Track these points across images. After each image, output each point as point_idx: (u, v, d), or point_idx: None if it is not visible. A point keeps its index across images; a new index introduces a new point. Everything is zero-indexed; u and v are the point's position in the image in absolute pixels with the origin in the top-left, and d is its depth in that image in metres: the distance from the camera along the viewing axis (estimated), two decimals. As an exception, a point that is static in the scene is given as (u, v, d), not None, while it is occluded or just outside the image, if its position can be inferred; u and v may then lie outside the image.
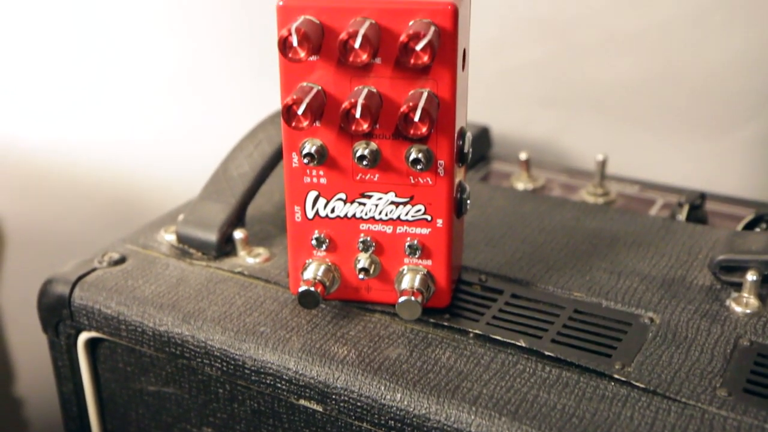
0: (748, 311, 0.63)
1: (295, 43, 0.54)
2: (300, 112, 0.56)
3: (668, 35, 0.91)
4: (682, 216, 0.78)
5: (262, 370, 0.62)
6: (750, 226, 0.76)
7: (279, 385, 0.61)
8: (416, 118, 0.55)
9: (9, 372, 1.30)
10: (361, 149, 0.59)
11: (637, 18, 0.91)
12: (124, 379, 0.71)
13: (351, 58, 0.55)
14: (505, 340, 0.61)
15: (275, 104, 0.75)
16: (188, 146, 1.12)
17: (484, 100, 0.98)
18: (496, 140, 0.98)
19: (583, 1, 0.92)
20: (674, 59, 0.92)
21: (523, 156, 0.87)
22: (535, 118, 0.99)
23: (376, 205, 0.61)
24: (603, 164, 0.85)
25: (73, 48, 1.10)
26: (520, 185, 0.87)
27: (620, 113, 0.96)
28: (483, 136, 0.93)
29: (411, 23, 0.55)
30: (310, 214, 0.63)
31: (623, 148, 0.96)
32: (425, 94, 0.56)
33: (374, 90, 0.57)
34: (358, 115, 0.56)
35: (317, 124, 0.59)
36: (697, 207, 0.79)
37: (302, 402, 0.61)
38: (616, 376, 0.57)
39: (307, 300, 0.62)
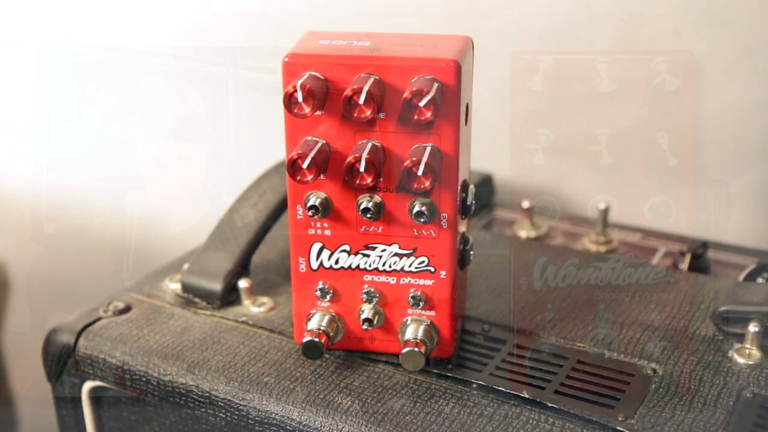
0: (750, 362, 0.64)
1: (300, 99, 0.55)
2: (305, 166, 0.57)
3: (668, 84, 0.92)
4: (684, 265, 0.79)
5: (266, 420, 0.62)
6: (752, 275, 0.76)
7: (283, 436, 0.61)
8: (419, 173, 0.56)
9: (12, 421, 1.30)
10: (365, 202, 0.59)
11: (638, 67, 0.92)
12: (129, 429, 0.71)
13: (355, 114, 0.56)
14: (508, 391, 0.61)
15: (280, 153, 0.76)
16: (193, 195, 1.12)
17: (488, 148, 0.98)
18: (499, 188, 0.98)
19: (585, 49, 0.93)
20: (675, 108, 0.93)
21: (525, 204, 0.88)
22: (538, 166, 1.00)
23: (380, 257, 0.62)
24: (605, 212, 0.85)
25: (81, 95, 1.11)
26: (523, 233, 0.87)
27: (622, 161, 0.96)
28: (486, 183, 0.94)
29: (414, 80, 0.56)
30: (315, 265, 0.63)
31: (625, 196, 0.96)
32: (428, 149, 0.57)
33: (378, 144, 0.58)
34: (362, 169, 0.56)
35: (322, 177, 0.59)
36: (699, 256, 0.79)
37: (306, 453, 0.61)
38: (619, 428, 0.57)
39: (311, 350, 0.62)
